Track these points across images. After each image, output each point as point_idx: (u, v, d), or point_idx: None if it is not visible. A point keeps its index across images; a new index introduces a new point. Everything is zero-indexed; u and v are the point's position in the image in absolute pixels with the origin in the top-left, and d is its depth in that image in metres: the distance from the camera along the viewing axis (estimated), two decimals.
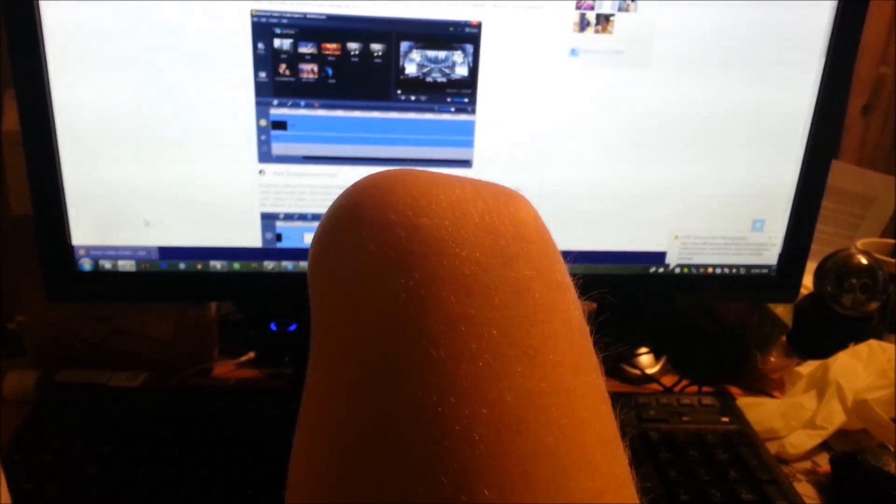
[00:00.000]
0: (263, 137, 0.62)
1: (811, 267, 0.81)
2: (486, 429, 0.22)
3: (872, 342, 0.75)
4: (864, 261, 0.81)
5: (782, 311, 0.80)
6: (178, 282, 0.66)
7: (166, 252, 0.65)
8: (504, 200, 0.27)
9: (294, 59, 0.60)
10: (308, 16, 0.59)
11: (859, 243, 0.90)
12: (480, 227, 0.25)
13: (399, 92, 0.62)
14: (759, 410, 0.70)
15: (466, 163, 0.65)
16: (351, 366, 0.25)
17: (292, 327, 0.80)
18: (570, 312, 0.26)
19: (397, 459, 0.23)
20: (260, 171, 0.63)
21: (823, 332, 0.82)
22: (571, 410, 0.24)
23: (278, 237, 0.65)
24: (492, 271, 0.25)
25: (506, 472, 0.22)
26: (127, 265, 0.65)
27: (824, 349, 0.77)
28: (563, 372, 0.24)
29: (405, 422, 0.23)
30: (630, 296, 0.72)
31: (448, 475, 0.22)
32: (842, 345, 0.77)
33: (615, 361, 0.79)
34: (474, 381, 0.23)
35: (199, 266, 0.65)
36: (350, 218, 0.26)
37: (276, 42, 0.60)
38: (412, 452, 0.22)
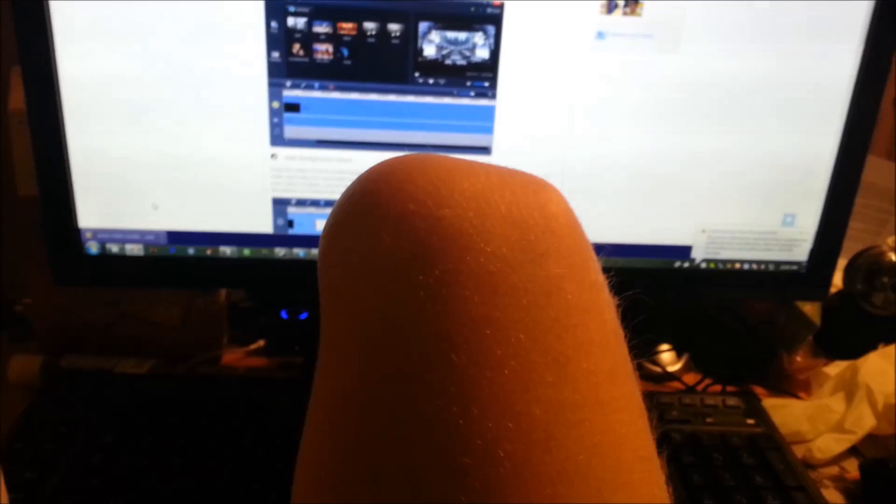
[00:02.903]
0: (276, 120, 0.60)
1: (839, 264, 0.78)
2: (511, 445, 0.20)
3: None
4: (895, 258, 0.78)
5: (810, 309, 0.77)
6: (186, 267, 0.64)
7: (175, 236, 0.63)
8: (533, 190, 0.24)
9: (308, 38, 0.58)
10: None
11: (890, 240, 0.87)
12: (507, 220, 0.23)
13: (417, 74, 0.59)
14: (784, 412, 0.67)
15: (485, 150, 0.62)
16: (362, 371, 0.22)
17: (303, 315, 0.78)
18: (605, 315, 0.24)
19: (412, 476, 0.20)
20: (272, 155, 0.61)
21: (852, 331, 0.79)
22: (606, 425, 0.22)
23: (290, 223, 0.63)
24: (520, 269, 0.22)
25: (533, 493, 0.20)
26: (134, 249, 0.63)
27: (853, 350, 0.74)
28: (598, 382, 0.22)
29: (421, 435, 0.21)
30: (653, 290, 0.69)
31: (469, 495, 0.20)
32: (871, 345, 0.74)
33: (635, 358, 0.77)
34: (499, 390, 0.21)
35: (209, 251, 0.63)
36: (364, 207, 0.24)
37: (290, 21, 0.57)
38: (429, 469, 0.20)
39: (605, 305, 0.24)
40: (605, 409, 0.22)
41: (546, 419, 0.21)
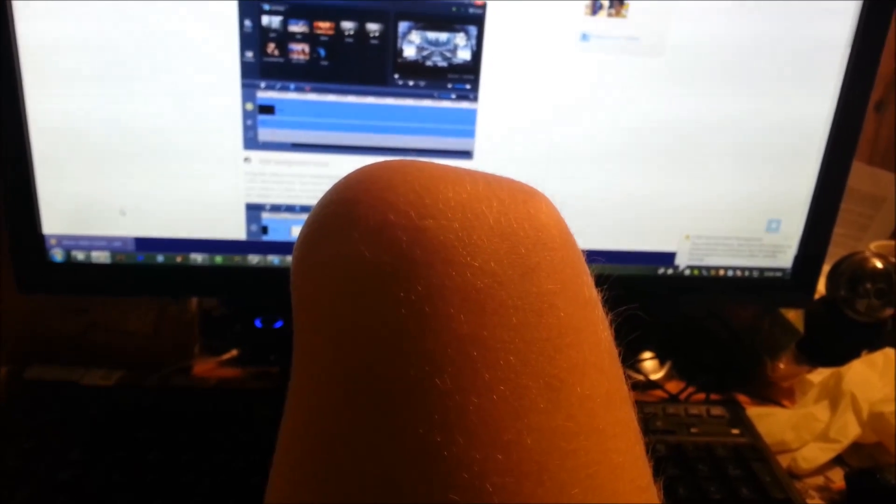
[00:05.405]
0: (249, 122, 0.58)
1: (822, 270, 0.77)
2: (500, 478, 0.19)
3: (888, 350, 0.72)
4: (879, 264, 0.78)
5: (793, 316, 0.76)
6: (155, 275, 0.61)
7: (143, 243, 0.60)
8: (522, 199, 0.23)
9: (284, 38, 0.56)
10: None
11: (873, 245, 0.86)
12: (495, 232, 0.21)
13: (396, 76, 0.58)
14: (769, 421, 0.66)
15: (467, 154, 0.61)
16: (337, 397, 0.21)
17: (278, 324, 0.76)
18: (600, 334, 0.22)
19: None
20: (245, 159, 0.59)
21: (835, 338, 0.79)
22: (602, 454, 0.20)
23: (264, 230, 0.61)
24: (509, 285, 0.21)
25: None
26: (101, 256, 0.60)
27: (836, 357, 0.74)
28: (593, 407, 0.20)
29: (403, 468, 0.19)
30: (635, 298, 0.68)
31: None
32: (854, 352, 0.74)
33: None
34: (487, 418, 0.19)
35: (179, 259, 0.61)
36: (341, 218, 0.22)
37: (265, 19, 0.55)
38: None
39: (599, 323, 0.22)
40: (600, 436, 0.20)
41: (538, 449, 0.19)
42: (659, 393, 0.75)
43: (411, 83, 0.58)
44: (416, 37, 0.57)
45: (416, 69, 0.58)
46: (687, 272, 0.67)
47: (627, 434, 0.21)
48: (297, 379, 0.23)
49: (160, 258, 0.61)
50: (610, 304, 0.25)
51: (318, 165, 0.60)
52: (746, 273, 0.67)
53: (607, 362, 0.22)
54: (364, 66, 0.57)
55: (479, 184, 0.22)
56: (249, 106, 0.57)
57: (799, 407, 0.71)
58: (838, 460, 0.65)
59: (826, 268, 0.80)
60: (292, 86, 0.57)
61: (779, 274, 0.68)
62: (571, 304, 0.21)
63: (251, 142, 0.58)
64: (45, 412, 0.59)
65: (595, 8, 0.57)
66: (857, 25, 0.60)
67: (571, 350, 0.21)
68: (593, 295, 0.23)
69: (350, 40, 0.56)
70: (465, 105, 0.59)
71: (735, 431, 0.63)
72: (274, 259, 0.62)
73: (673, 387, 0.75)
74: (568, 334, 0.21)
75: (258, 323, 0.76)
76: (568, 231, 0.23)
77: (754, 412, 0.68)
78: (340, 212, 0.22)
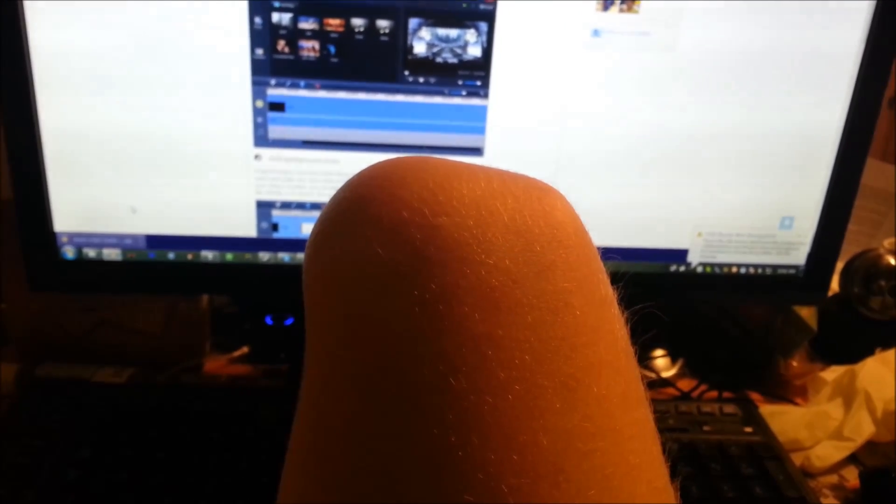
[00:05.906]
0: (260, 120, 0.58)
1: (836, 267, 0.76)
2: (516, 479, 0.18)
3: None
4: (893, 262, 0.77)
5: (807, 313, 0.75)
6: (166, 272, 0.61)
7: (154, 240, 0.60)
8: (537, 196, 0.22)
9: (294, 35, 0.56)
10: None
11: (887, 242, 0.85)
12: (510, 229, 0.21)
13: (407, 73, 0.57)
14: (782, 419, 0.66)
15: (477, 151, 0.60)
16: (350, 396, 0.20)
17: (289, 321, 0.76)
18: (616, 333, 0.22)
19: None
20: (256, 156, 0.59)
21: (849, 336, 0.78)
22: (619, 455, 0.20)
23: (274, 227, 0.61)
24: (524, 283, 0.20)
25: None
26: (112, 254, 0.60)
27: (849, 355, 0.73)
28: (610, 407, 0.20)
29: (417, 469, 0.19)
30: (647, 295, 0.68)
31: None
32: (868, 350, 0.73)
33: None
34: (502, 418, 0.19)
35: (190, 256, 0.61)
36: (354, 215, 0.22)
37: (275, 16, 0.55)
38: None
39: (615, 322, 0.22)
40: (617, 437, 0.20)
41: (554, 450, 0.19)
42: (671, 391, 0.74)
43: (421, 80, 0.58)
44: (426, 33, 0.57)
45: (426, 66, 0.57)
46: (699, 269, 0.66)
47: (644, 435, 0.21)
48: (309, 378, 0.22)
49: (171, 255, 0.61)
50: (624, 302, 0.24)
51: (329, 162, 0.60)
52: (759, 270, 0.67)
53: (623, 362, 0.22)
54: (374, 63, 0.57)
55: (494, 180, 0.22)
56: (260, 103, 0.57)
57: (812, 405, 0.70)
58: (852, 459, 0.65)
59: (839, 265, 0.79)
60: (302, 83, 0.57)
61: (792, 271, 0.67)
62: (587, 303, 0.21)
63: (261, 139, 0.58)
64: (55, 410, 0.59)
65: (606, 4, 0.57)
66: (870, 30, 0.59)
67: (587, 349, 0.20)
68: (609, 293, 0.23)
69: (360, 37, 0.56)
70: (475, 102, 0.59)
71: (748, 430, 0.63)
72: (284, 256, 0.62)
73: (685, 384, 0.75)
74: (584, 333, 0.20)
75: (269, 320, 0.76)
76: (583, 228, 0.23)
77: (767, 410, 0.67)
78: (354, 209, 0.22)
